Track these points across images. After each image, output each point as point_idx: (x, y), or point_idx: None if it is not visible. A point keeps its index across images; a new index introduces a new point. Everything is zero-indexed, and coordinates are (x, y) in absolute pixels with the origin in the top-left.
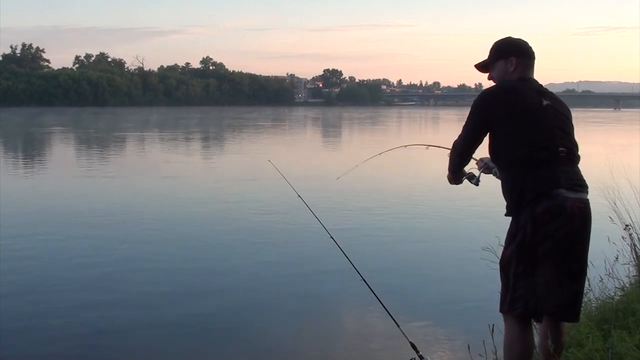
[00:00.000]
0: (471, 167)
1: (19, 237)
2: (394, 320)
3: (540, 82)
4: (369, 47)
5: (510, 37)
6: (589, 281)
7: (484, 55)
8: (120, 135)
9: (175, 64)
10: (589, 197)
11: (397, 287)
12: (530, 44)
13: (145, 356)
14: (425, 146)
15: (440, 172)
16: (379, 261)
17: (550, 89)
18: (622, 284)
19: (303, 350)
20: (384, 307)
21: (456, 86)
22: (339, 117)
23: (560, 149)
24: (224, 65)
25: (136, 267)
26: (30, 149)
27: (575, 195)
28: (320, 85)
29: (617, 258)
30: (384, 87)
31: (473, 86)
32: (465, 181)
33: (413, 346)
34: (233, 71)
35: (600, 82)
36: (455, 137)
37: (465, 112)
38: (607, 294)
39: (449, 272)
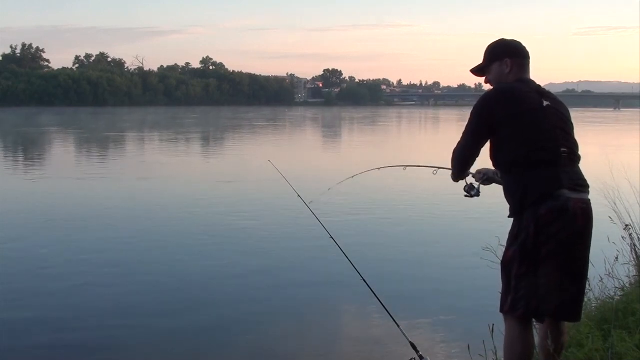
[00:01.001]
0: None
1: None
2: (394, 320)
3: (540, 82)
4: (369, 47)
5: (503, 38)
6: (589, 281)
7: (483, 56)
8: (109, 135)
9: (175, 64)
10: (589, 197)
11: (397, 287)
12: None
13: (144, 357)
14: (403, 167)
15: (441, 172)
16: (379, 261)
17: (550, 89)
18: (622, 284)
19: (303, 350)
20: (384, 307)
21: (456, 86)
22: (336, 118)
23: (562, 149)
24: (224, 65)
25: (131, 270)
26: (17, 149)
27: (578, 195)
28: (320, 85)
29: (617, 258)
30: (384, 87)
31: (473, 86)
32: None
33: (413, 346)
34: (233, 71)
35: (600, 82)
36: (454, 140)
37: (466, 112)
38: (607, 294)
39: (449, 272)
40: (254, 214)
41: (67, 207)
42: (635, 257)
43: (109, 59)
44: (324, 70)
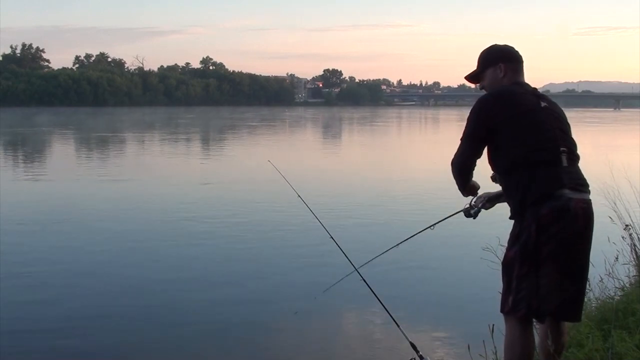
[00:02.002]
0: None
1: None
2: (394, 320)
3: (540, 82)
4: (369, 47)
5: (496, 44)
6: (589, 281)
7: (477, 62)
8: (98, 136)
9: (175, 64)
10: (590, 197)
11: (397, 287)
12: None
13: (144, 356)
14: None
15: (441, 172)
16: (379, 261)
17: (550, 89)
18: (622, 284)
19: (303, 351)
20: (384, 307)
21: (456, 86)
22: (333, 118)
23: (562, 148)
24: (224, 65)
25: (136, 265)
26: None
27: (579, 195)
28: (320, 85)
29: (617, 258)
30: (384, 87)
31: (473, 86)
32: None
33: (413, 346)
34: (233, 71)
35: (600, 82)
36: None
37: (466, 112)
38: (607, 294)
39: (449, 272)
40: (251, 214)
41: (66, 207)
42: (635, 257)
43: (109, 59)
44: (324, 70)
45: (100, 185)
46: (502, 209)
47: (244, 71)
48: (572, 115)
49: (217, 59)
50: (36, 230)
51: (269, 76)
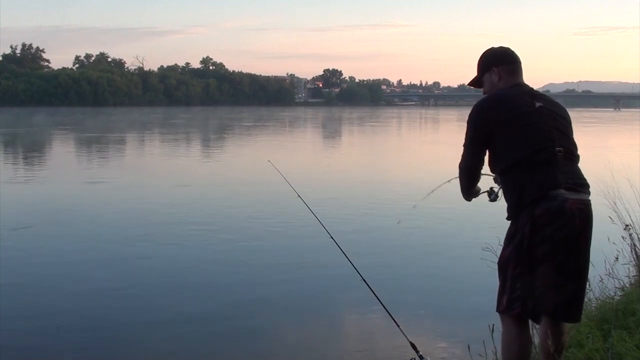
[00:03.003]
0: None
1: None
2: (394, 320)
3: (540, 83)
4: (369, 47)
5: (491, 47)
6: (589, 281)
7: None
8: (91, 136)
9: (175, 64)
10: (590, 197)
11: (397, 287)
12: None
13: (144, 356)
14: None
15: (440, 172)
16: (379, 261)
17: (550, 89)
18: (622, 284)
19: (303, 351)
20: (384, 307)
21: (456, 86)
22: (331, 118)
23: (558, 148)
24: (224, 65)
25: (134, 267)
26: None
27: (576, 196)
28: (320, 85)
29: (617, 258)
30: (384, 87)
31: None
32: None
33: (413, 346)
34: (233, 71)
35: (600, 82)
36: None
37: (466, 113)
38: (607, 294)
39: (449, 272)
40: (249, 214)
41: (66, 207)
42: (635, 257)
43: (109, 59)
44: (324, 70)
45: (85, 187)
46: (502, 210)
47: (244, 71)
48: (572, 116)
49: (217, 59)
50: (25, 232)
51: (268, 76)
